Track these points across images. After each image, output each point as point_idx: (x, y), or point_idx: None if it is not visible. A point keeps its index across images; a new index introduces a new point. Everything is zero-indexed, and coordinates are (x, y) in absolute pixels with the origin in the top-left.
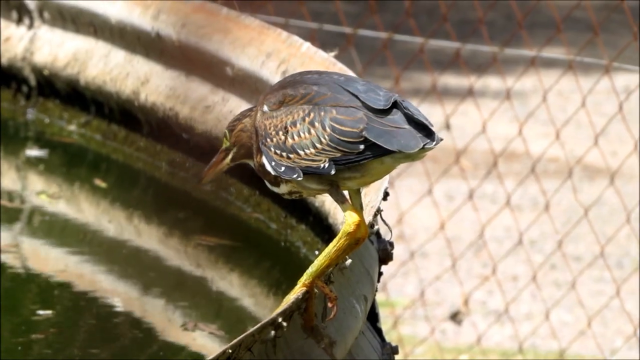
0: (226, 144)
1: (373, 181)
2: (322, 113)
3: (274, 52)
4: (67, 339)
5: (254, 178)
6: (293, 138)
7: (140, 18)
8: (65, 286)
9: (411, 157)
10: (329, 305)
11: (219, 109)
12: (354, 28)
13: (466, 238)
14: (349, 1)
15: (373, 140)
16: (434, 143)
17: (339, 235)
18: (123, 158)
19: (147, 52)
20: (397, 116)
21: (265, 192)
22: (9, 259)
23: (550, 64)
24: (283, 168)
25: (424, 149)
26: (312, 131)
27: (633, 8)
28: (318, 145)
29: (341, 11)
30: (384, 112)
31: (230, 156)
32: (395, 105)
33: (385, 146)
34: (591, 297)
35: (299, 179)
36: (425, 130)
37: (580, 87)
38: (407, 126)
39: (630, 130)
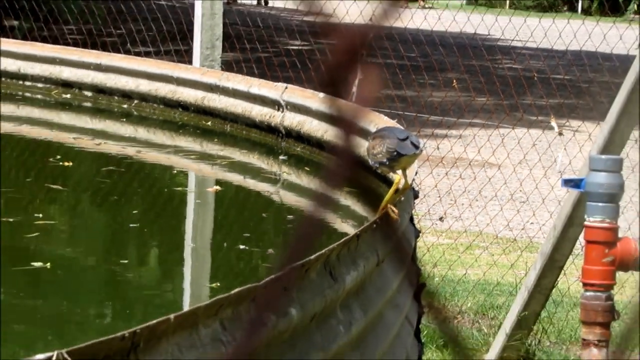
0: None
1: (405, 167)
2: (383, 141)
3: (374, 121)
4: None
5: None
6: (375, 150)
7: (327, 109)
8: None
9: (412, 157)
10: (394, 215)
11: (354, 142)
12: (403, 112)
13: (444, 190)
14: (402, 103)
15: (398, 150)
16: (418, 151)
17: (392, 186)
18: (317, 160)
19: (329, 121)
20: (407, 141)
21: (368, 171)
22: (273, 195)
23: (472, 125)
24: (373, 162)
25: (414, 154)
26: (380, 148)
27: (511, 106)
28: (382, 154)
29: (398, 105)
30: (404, 140)
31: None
32: (407, 137)
33: (402, 152)
34: (490, 212)
35: (377, 165)
36: (416, 146)
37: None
38: (410, 145)
39: (505, 149)
